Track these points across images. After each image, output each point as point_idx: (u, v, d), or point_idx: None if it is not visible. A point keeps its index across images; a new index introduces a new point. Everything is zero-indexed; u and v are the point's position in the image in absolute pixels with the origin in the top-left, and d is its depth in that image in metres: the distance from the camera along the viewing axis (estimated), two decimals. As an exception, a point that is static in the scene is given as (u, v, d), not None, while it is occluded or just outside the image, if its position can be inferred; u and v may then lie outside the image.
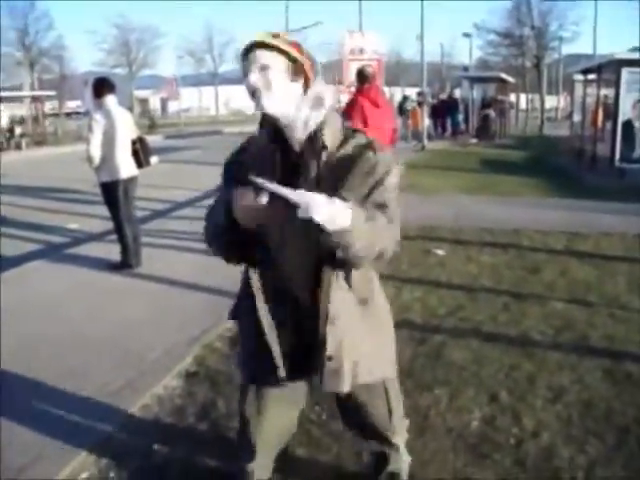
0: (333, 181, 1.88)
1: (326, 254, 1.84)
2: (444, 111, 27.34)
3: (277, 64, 1.87)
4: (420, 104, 23.20)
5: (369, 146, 1.93)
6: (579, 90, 19.11)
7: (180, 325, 4.72)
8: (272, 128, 1.97)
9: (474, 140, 24.18)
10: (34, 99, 30.63)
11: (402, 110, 25.51)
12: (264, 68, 1.86)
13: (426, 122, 22.93)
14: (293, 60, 1.89)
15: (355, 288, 2.02)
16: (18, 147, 25.76)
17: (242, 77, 1.91)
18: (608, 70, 14.31)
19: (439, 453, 2.97)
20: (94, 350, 4.32)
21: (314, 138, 1.91)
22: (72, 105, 50.71)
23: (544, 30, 38.18)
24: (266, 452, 2.34)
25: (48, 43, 44.68)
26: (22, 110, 30.23)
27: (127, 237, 6.34)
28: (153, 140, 20.16)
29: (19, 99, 30.94)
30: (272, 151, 1.96)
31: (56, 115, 41.67)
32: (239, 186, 1.79)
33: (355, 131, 2.00)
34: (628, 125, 13.45)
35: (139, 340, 4.47)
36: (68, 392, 3.66)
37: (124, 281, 6.04)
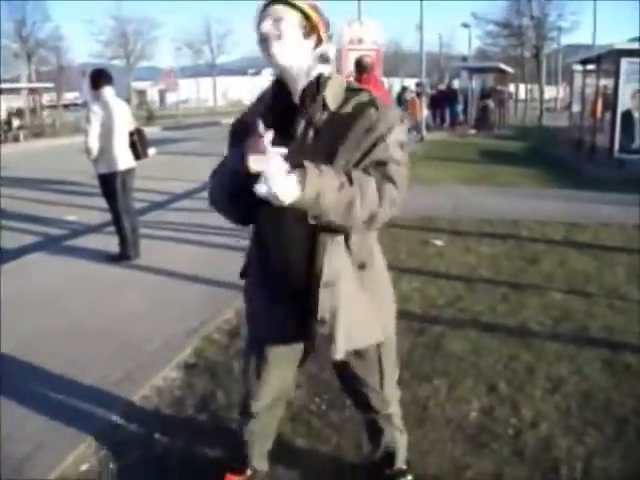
0: (332, 139, 1.88)
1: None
2: (443, 102, 27.28)
3: (291, 18, 1.88)
4: (419, 95, 23.13)
5: (371, 103, 1.92)
6: (578, 80, 19.05)
7: (179, 317, 4.72)
8: (276, 84, 2.00)
9: (473, 131, 24.15)
10: (32, 91, 30.50)
11: (401, 101, 25.46)
12: (278, 20, 1.87)
13: (425, 113, 22.87)
14: (307, 18, 1.90)
15: (354, 252, 2.00)
16: (16, 139, 25.68)
17: (255, 29, 1.91)
18: (607, 60, 14.28)
19: (438, 443, 2.98)
20: (93, 342, 4.32)
21: (314, 96, 1.91)
22: (70, 97, 50.50)
23: (543, 20, 37.96)
24: (265, 410, 2.39)
25: (45, 34, 44.47)
26: (20, 102, 30.08)
27: (125, 229, 6.34)
28: (151, 132, 20.13)
29: (16, 91, 30.79)
30: (272, 106, 1.97)
31: (54, 107, 41.48)
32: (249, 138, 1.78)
33: (358, 90, 1.99)
34: (627, 116, 13.42)
35: (138, 332, 4.47)
36: (67, 384, 3.66)
37: (123, 273, 6.03)
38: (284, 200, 1.68)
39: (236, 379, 3.51)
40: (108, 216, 6.58)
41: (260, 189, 1.67)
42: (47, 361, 3.97)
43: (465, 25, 46.52)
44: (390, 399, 2.40)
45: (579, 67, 18.55)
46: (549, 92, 45.31)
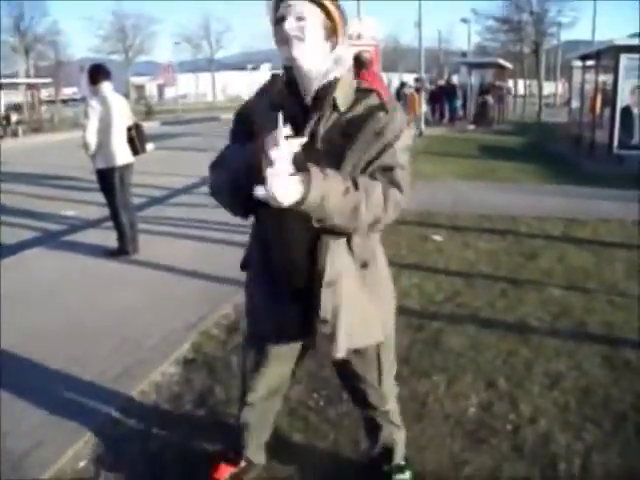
0: (341, 141, 1.87)
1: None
2: (442, 97, 27.28)
3: (315, 18, 1.85)
4: (418, 90, 23.11)
5: (381, 107, 1.91)
6: (577, 76, 19.06)
7: (177, 312, 4.71)
8: (287, 82, 1.96)
9: (472, 126, 24.14)
10: (30, 86, 30.43)
11: (399, 96, 25.44)
12: (301, 18, 1.84)
13: (424, 108, 22.85)
14: (330, 18, 1.87)
15: (356, 252, 2.01)
16: (14, 134, 25.64)
17: (271, 23, 1.89)
18: (607, 56, 14.25)
19: (437, 438, 2.98)
20: (91, 337, 4.31)
21: (326, 97, 1.89)
22: (68, 92, 50.42)
23: (543, 16, 37.94)
24: (263, 388, 2.39)
25: (43, 29, 44.43)
26: (18, 97, 30.05)
27: (123, 224, 6.33)
28: (150, 126, 20.09)
29: (15, 86, 30.72)
30: (282, 104, 1.92)
31: (52, 102, 41.43)
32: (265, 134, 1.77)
33: (368, 91, 1.97)
34: (626, 112, 13.41)
35: (136, 327, 4.46)
36: (65, 379, 3.65)
37: (121, 268, 6.02)
38: (282, 202, 1.67)
39: (234, 374, 3.51)
40: (106, 211, 6.57)
41: (259, 191, 1.66)
42: (45, 356, 3.96)
43: (464, 20, 46.49)
44: (388, 395, 2.40)
45: (578, 63, 18.54)
46: (548, 88, 45.33)
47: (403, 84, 27.23)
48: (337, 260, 1.96)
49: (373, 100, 1.93)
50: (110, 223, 6.62)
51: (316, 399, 3.32)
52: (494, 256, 6.08)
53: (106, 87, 6.08)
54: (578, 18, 50.15)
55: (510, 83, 34.96)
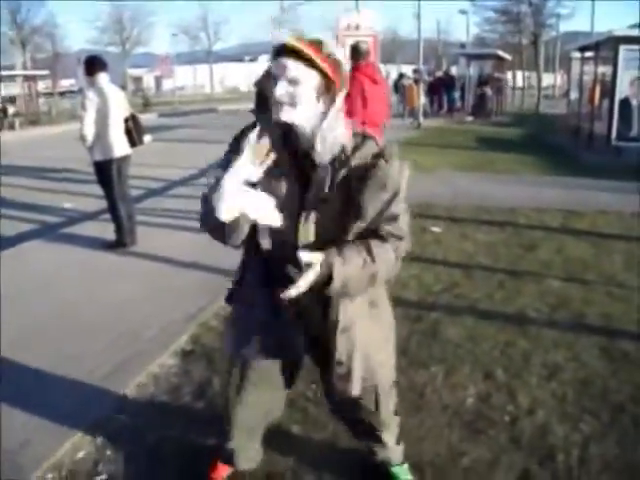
0: (348, 192, 1.87)
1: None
2: (440, 88, 27.22)
3: (308, 80, 1.77)
4: (416, 81, 23.07)
5: (381, 155, 1.89)
6: (576, 68, 18.99)
7: (175, 303, 4.71)
8: (284, 129, 1.89)
9: (470, 117, 24.13)
10: (27, 78, 30.31)
11: (397, 87, 25.41)
12: (294, 82, 1.76)
13: (422, 100, 22.81)
14: (325, 76, 1.79)
15: (366, 294, 2.05)
16: (12, 127, 25.51)
17: (271, 74, 1.81)
18: (606, 48, 14.21)
19: (434, 429, 2.98)
20: (90, 329, 4.31)
21: (334, 161, 1.87)
22: (66, 84, 50.26)
23: (541, 7, 37.74)
24: (245, 432, 2.39)
25: (40, 20, 44.27)
26: (15, 89, 29.91)
27: (121, 216, 6.31)
28: (147, 118, 20.06)
29: (12, 78, 30.59)
30: (291, 156, 1.91)
31: (50, 94, 41.28)
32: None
33: (364, 136, 1.93)
34: (625, 103, 13.38)
35: (134, 319, 4.46)
36: (64, 371, 3.65)
37: (119, 260, 6.02)
38: (219, 215, 1.77)
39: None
40: (104, 203, 6.55)
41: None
42: (43, 348, 3.96)
43: (463, 12, 46.33)
44: (387, 427, 2.40)
45: (577, 54, 18.49)
46: (547, 79, 45.24)
47: (401, 75, 27.23)
48: (349, 307, 2.01)
49: (372, 147, 1.91)
50: (108, 215, 6.60)
51: (314, 390, 3.32)
52: (492, 247, 6.08)
53: (102, 78, 6.05)
54: (577, 9, 50.16)
55: (509, 75, 34.88)
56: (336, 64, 1.80)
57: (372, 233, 1.89)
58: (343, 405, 2.30)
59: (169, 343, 4.03)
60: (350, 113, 5.20)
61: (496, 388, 3.36)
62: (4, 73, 30.93)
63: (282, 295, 1.77)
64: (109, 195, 6.31)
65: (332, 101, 1.83)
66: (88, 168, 6.90)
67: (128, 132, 6.27)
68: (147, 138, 6.59)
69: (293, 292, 1.77)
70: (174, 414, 3.19)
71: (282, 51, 1.76)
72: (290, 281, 1.79)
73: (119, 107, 6.18)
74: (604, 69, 14.79)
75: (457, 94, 27.17)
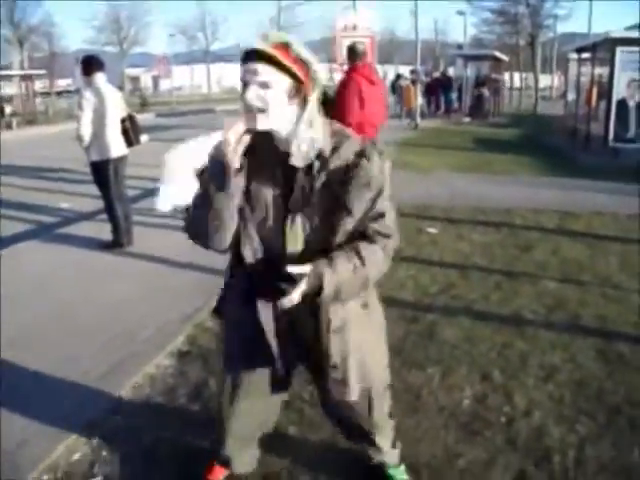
0: (332, 193, 1.85)
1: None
2: (437, 89, 27.23)
3: (279, 83, 1.76)
4: (413, 82, 23.07)
5: (362, 153, 1.87)
6: (573, 69, 19.01)
7: (172, 304, 4.71)
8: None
9: (467, 118, 24.13)
10: (24, 78, 30.23)
11: (395, 88, 25.42)
12: (264, 86, 1.75)
13: (419, 100, 22.81)
14: (296, 78, 1.78)
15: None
16: (8, 126, 25.43)
17: (240, 80, 1.81)
18: (603, 49, 14.22)
19: (431, 431, 2.98)
20: (86, 329, 4.30)
21: (312, 164, 1.86)
22: (63, 84, 50.19)
23: (539, 8, 37.72)
24: (239, 440, 2.38)
25: (37, 20, 44.19)
26: (12, 89, 29.83)
27: (118, 216, 6.30)
28: (144, 118, 20.01)
29: (9, 78, 30.51)
30: (272, 160, 1.90)
31: (47, 94, 41.18)
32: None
33: (344, 134, 1.91)
34: (622, 104, 13.39)
35: (130, 319, 4.45)
36: (59, 371, 3.64)
37: (115, 260, 6.01)
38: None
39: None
40: (101, 203, 6.54)
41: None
42: (38, 349, 3.96)
43: (460, 12, 46.32)
44: (381, 430, 2.38)
45: (574, 55, 18.49)
46: (544, 80, 45.22)
47: (399, 76, 27.20)
48: (341, 308, 1.99)
49: (354, 145, 1.89)
50: (104, 215, 6.59)
51: (311, 391, 3.32)
52: (489, 248, 6.08)
53: (99, 78, 6.04)
54: (574, 10, 50.16)
55: (506, 76, 34.89)
56: (306, 64, 1.79)
57: (360, 234, 1.89)
58: (337, 409, 2.29)
59: (165, 344, 4.02)
60: (347, 114, 5.22)
61: (492, 389, 3.36)
62: (1, 72, 30.87)
63: (278, 304, 1.79)
64: (106, 195, 6.30)
65: (304, 103, 1.82)
66: (85, 168, 6.89)
67: (125, 132, 6.26)
68: (144, 138, 6.59)
69: (286, 304, 1.78)
70: (170, 415, 3.19)
71: (252, 55, 1.75)
72: (281, 293, 1.79)
73: (116, 107, 6.17)
74: (601, 70, 14.81)
75: (454, 95, 27.15)
